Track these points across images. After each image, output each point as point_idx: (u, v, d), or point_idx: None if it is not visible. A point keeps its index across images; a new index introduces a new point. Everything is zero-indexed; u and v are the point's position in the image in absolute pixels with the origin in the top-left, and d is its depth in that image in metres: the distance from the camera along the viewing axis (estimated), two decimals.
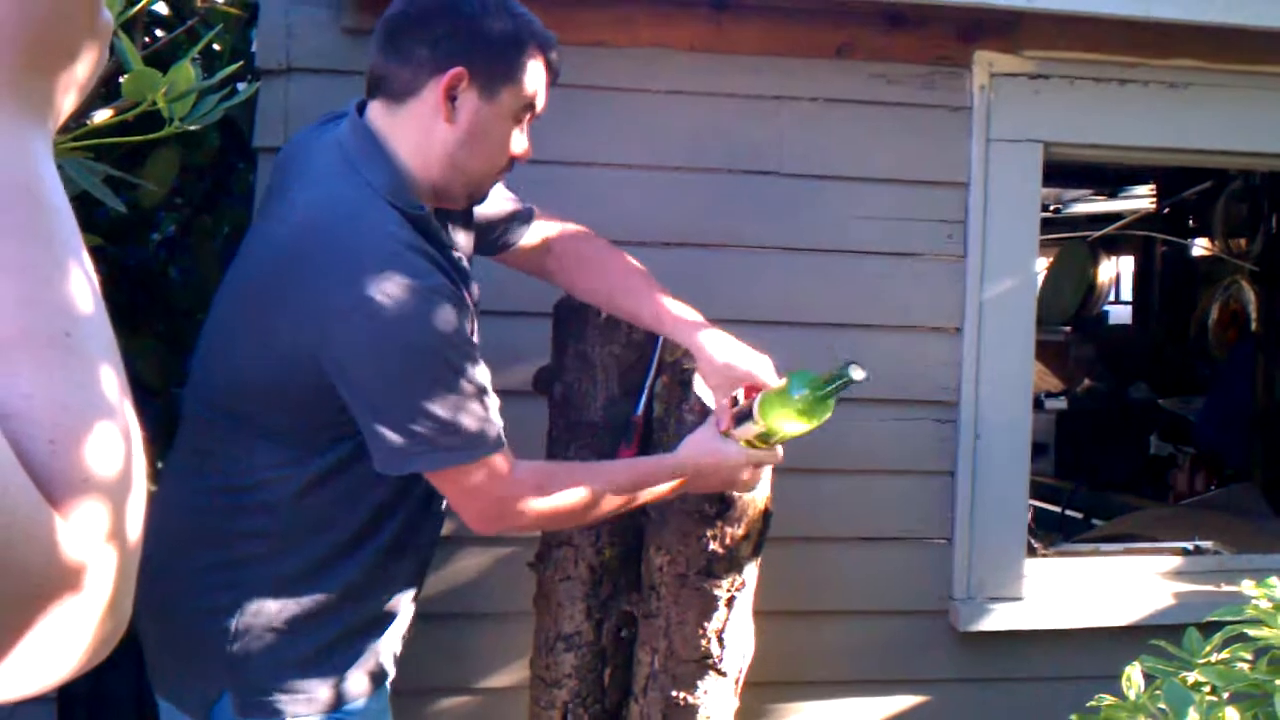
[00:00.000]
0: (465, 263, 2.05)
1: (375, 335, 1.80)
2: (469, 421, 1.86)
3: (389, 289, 1.78)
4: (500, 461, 1.91)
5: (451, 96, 1.90)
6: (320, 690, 1.97)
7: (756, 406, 2.04)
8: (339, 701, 1.99)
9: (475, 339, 1.95)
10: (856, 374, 1.92)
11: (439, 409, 1.83)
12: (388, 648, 2.09)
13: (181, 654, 2.01)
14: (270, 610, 1.94)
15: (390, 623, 2.08)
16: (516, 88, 1.94)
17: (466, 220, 2.16)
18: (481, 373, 1.90)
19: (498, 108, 1.93)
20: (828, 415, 2.00)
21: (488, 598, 2.83)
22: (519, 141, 2.01)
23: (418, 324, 1.81)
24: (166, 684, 2.04)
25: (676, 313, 2.20)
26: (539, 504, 1.98)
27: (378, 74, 1.95)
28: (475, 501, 1.95)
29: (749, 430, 2.06)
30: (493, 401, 1.92)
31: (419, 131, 1.92)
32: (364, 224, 1.85)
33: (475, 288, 2.06)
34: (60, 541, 0.65)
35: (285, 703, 1.94)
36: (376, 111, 1.96)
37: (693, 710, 2.29)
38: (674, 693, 2.28)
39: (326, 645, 1.98)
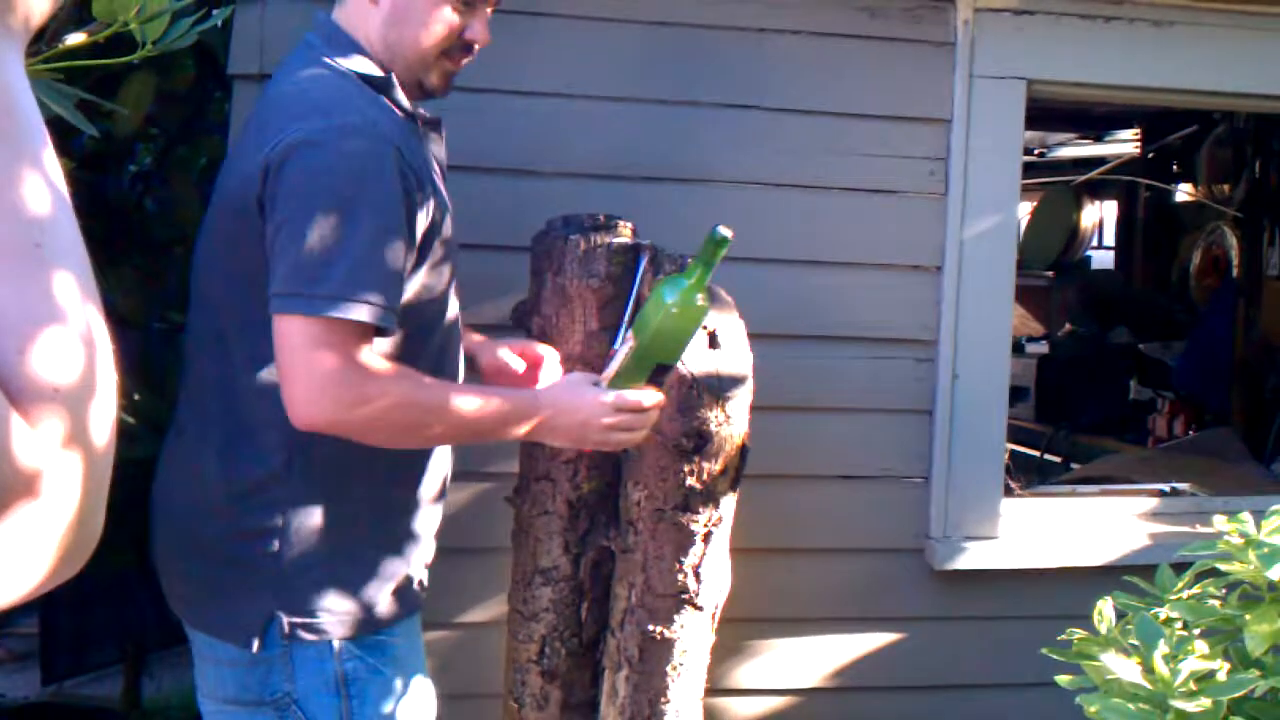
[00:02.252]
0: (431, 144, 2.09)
1: (302, 164, 1.80)
2: (341, 275, 1.76)
3: (337, 129, 1.81)
4: (358, 336, 1.79)
5: None
6: (363, 612, 1.99)
7: (631, 322, 2.01)
8: (379, 624, 2.01)
9: (428, 214, 1.92)
10: (724, 230, 1.90)
11: (318, 251, 1.76)
12: (417, 573, 2.11)
13: (221, 585, 2.00)
14: (312, 528, 1.95)
15: (418, 546, 2.10)
16: None
17: (434, 129, 2.14)
18: (391, 244, 1.82)
19: None
20: (702, 311, 1.95)
21: (466, 533, 2.83)
22: (471, 26, 2.00)
23: (343, 162, 1.80)
24: (203, 618, 2.03)
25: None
26: (373, 401, 1.81)
27: None
28: (308, 368, 1.78)
29: (620, 357, 2.00)
30: (386, 278, 1.81)
31: (357, 18, 1.99)
32: (328, 84, 1.90)
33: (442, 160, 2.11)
34: (29, 454, 0.65)
35: (330, 624, 1.96)
36: (335, 8, 2.03)
37: (669, 644, 2.30)
38: (651, 627, 2.29)
39: (367, 569, 2.01)
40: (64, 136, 2.41)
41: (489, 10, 2.04)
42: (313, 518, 1.95)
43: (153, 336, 2.94)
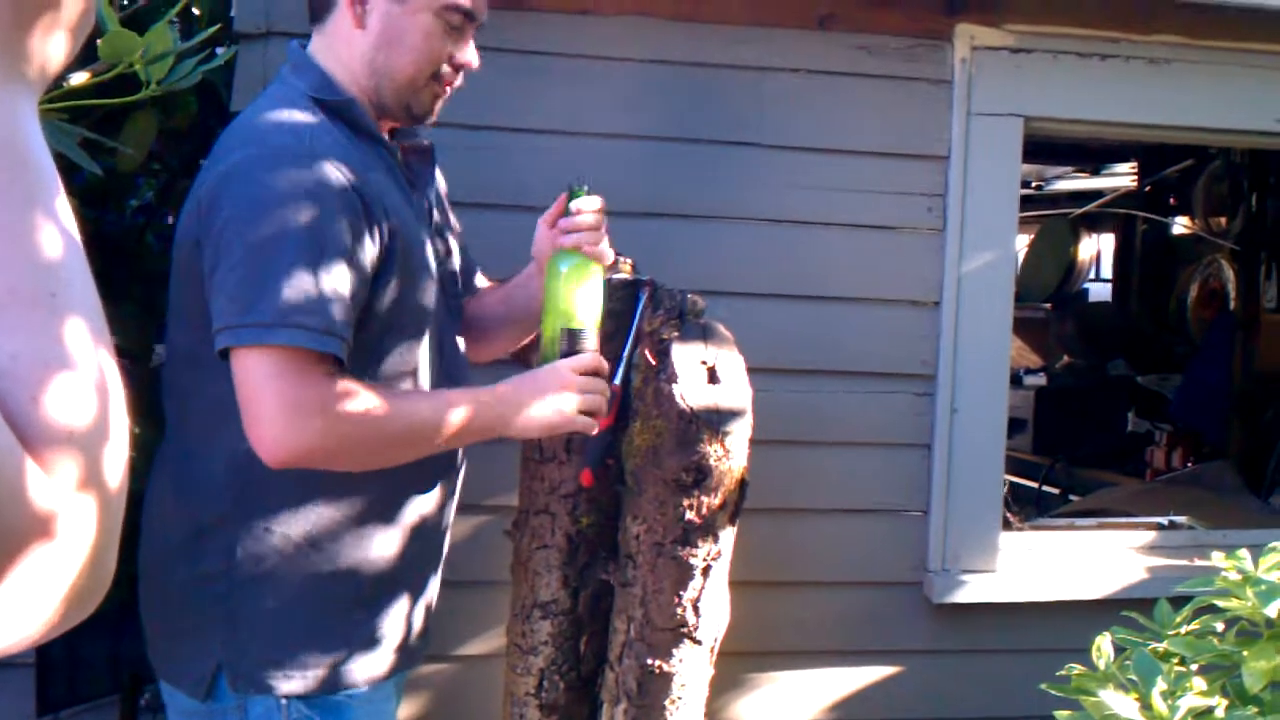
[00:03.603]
0: (405, 169, 2.05)
1: (232, 193, 1.77)
2: (278, 302, 1.71)
3: (268, 155, 1.78)
4: (306, 361, 1.73)
5: (361, 1, 1.92)
6: (316, 670, 1.91)
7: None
8: (336, 684, 1.93)
9: (377, 236, 1.85)
10: (577, 185, 2.07)
11: (252, 280, 1.72)
12: (393, 633, 2.02)
13: (176, 631, 1.96)
14: (261, 575, 1.89)
15: (392, 607, 2.01)
16: None
17: (424, 158, 2.14)
18: (331, 268, 1.76)
19: (410, 8, 1.92)
20: (594, 270, 2.07)
21: (464, 565, 2.82)
22: (459, 50, 1.98)
23: (274, 188, 1.76)
24: (163, 664, 1.99)
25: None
26: (337, 422, 1.76)
27: (308, 1, 2.00)
28: (262, 401, 1.72)
29: (544, 339, 2.07)
30: (327, 302, 1.75)
31: (340, 43, 1.95)
32: (274, 113, 1.87)
33: (434, 188, 2.09)
34: (44, 498, 0.66)
35: (279, 679, 1.89)
36: (313, 36, 1.99)
37: (668, 678, 2.29)
38: (649, 661, 2.28)
39: (323, 621, 1.93)
40: (66, 173, 2.42)
41: (472, 31, 2.00)
42: (264, 565, 1.89)
43: (152, 370, 2.94)
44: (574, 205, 2.08)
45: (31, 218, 0.71)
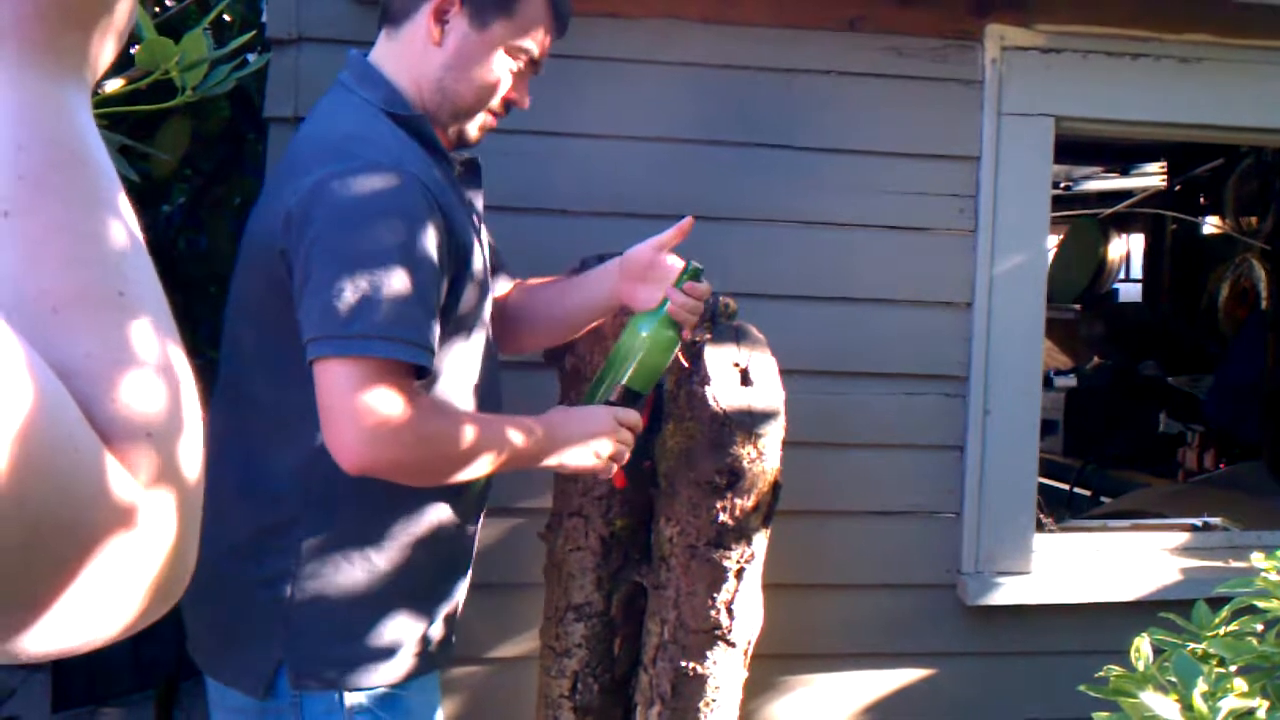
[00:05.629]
0: (460, 179, 2.09)
1: (327, 206, 1.78)
2: (375, 315, 1.73)
3: (361, 169, 1.80)
4: (398, 374, 1.76)
5: (443, 20, 1.95)
6: (375, 664, 1.95)
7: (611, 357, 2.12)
8: (392, 677, 1.97)
9: (452, 250, 1.89)
10: (696, 263, 2.07)
11: (350, 292, 1.73)
12: (437, 630, 2.06)
13: (235, 631, 1.98)
14: (326, 575, 1.92)
15: (439, 603, 2.06)
16: (510, 22, 1.98)
17: (470, 171, 2.16)
18: (424, 282, 1.79)
19: (488, 38, 1.97)
20: (673, 341, 2.07)
21: (498, 568, 2.84)
22: (516, 88, 2.04)
23: (367, 203, 1.78)
24: (217, 665, 2.01)
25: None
26: (420, 440, 1.80)
27: (384, 1, 2.02)
28: (350, 411, 1.74)
29: (600, 390, 2.10)
30: (421, 317, 1.78)
31: (411, 54, 1.98)
32: (356, 123, 1.89)
33: (479, 201, 2.12)
34: (128, 497, 0.66)
35: (339, 675, 1.92)
36: (380, 40, 2.02)
37: (702, 680, 2.29)
38: (683, 663, 2.28)
39: (381, 617, 1.96)
40: None
41: (530, 76, 2.07)
42: (327, 565, 1.92)
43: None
44: (689, 284, 2.09)
45: (95, 215, 0.71)
